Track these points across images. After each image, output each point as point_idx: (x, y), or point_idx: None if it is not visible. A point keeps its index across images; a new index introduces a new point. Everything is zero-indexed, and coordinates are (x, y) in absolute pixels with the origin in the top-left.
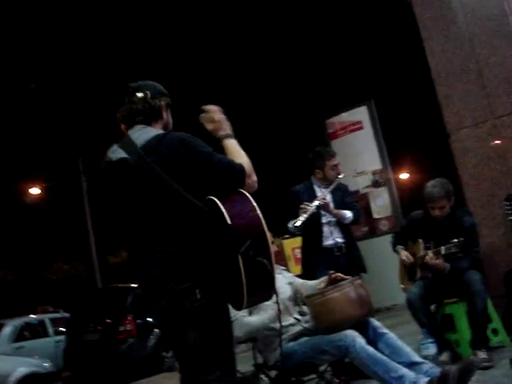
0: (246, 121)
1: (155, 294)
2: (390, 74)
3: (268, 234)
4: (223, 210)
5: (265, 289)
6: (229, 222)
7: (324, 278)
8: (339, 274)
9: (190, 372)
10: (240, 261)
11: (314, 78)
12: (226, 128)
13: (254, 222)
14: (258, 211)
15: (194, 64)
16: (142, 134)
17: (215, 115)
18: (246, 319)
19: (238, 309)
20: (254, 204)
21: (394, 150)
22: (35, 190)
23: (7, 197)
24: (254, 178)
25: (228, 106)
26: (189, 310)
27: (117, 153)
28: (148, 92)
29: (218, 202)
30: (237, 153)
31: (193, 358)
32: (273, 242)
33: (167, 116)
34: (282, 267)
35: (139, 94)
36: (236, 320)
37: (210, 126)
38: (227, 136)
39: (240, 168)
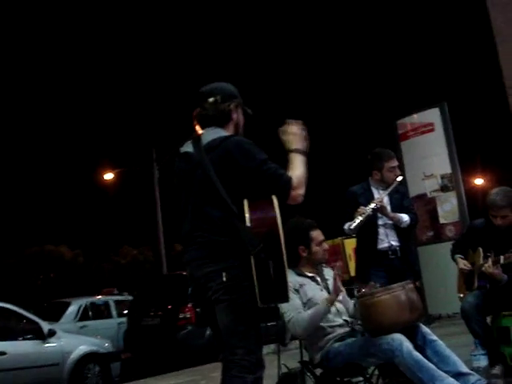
0: (319, 120)
1: (191, 276)
2: (467, 76)
3: (282, 244)
4: (247, 213)
5: (275, 290)
6: (248, 224)
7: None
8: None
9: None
10: (252, 261)
11: (388, 79)
12: (299, 144)
13: (273, 228)
14: (279, 221)
15: (264, 64)
16: (210, 135)
17: (294, 128)
18: (301, 315)
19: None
20: (278, 214)
21: (465, 155)
22: (109, 175)
23: (82, 181)
24: (301, 191)
25: (301, 105)
26: (215, 291)
27: (186, 147)
28: (219, 97)
29: (246, 205)
30: (296, 166)
31: (223, 338)
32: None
33: (237, 116)
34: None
35: (210, 100)
36: (293, 317)
37: (285, 137)
38: (297, 151)
39: (286, 179)
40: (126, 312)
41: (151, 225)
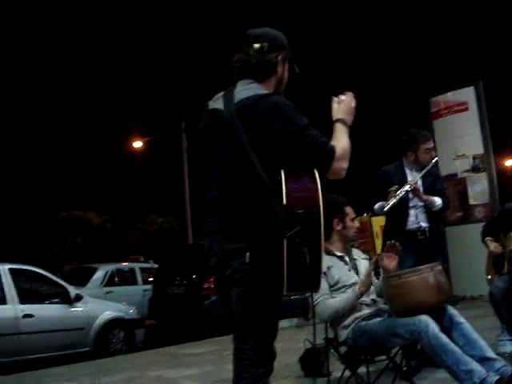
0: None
1: (210, 249)
2: (504, 54)
3: (322, 228)
4: (284, 188)
5: (306, 280)
6: (284, 201)
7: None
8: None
9: (235, 335)
10: (285, 244)
11: (423, 56)
12: (348, 115)
13: (313, 209)
14: (320, 201)
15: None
16: (244, 90)
17: (346, 99)
18: (328, 301)
19: (280, 292)
20: (319, 192)
21: (499, 136)
22: (138, 144)
23: (112, 149)
24: (344, 164)
25: (335, 81)
26: (235, 271)
27: (216, 103)
28: (266, 44)
29: (283, 178)
30: (341, 136)
31: (235, 321)
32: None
33: (283, 70)
34: (366, 254)
35: (256, 45)
36: (319, 302)
37: (335, 105)
38: (343, 121)
39: (329, 149)
40: (151, 279)
41: (178, 194)
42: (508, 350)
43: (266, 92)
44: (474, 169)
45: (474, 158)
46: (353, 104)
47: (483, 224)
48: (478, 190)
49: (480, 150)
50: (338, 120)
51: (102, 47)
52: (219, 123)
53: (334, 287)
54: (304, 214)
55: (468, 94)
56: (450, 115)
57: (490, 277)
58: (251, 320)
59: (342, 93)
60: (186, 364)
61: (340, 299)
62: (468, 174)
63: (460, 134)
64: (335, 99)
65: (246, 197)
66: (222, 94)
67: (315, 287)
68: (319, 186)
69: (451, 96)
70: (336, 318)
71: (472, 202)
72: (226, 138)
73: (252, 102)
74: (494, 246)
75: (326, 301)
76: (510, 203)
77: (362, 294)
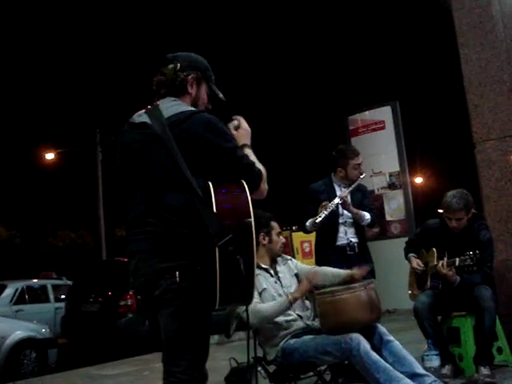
0: (268, 114)
1: (136, 269)
2: (420, 76)
3: (254, 236)
4: (213, 197)
5: (240, 290)
6: (214, 210)
7: (347, 272)
8: (357, 273)
9: (163, 357)
10: (217, 254)
11: (340, 75)
12: (248, 139)
13: (244, 218)
14: (251, 208)
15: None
16: (173, 106)
17: (243, 124)
18: (258, 306)
19: (212, 306)
20: (250, 200)
21: (412, 153)
22: (50, 155)
23: (22, 160)
24: (266, 186)
25: (250, 101)
26: (165, 291)
27: (142, 117)
28: (179, 64)
29: (211, 188)
30: (255, 160)
31: (163, 344)
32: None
33: (197, 92)
34: (288, 256)
35: (170, 66)
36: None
37: (234, 133)
38: (247, 145)
39: (259, 171)
40: (63, 297)
41: (92, 208)
42: (435, 365)
43: (190, 108)
44: (390, 186)
45: (391, 175)
46: (248, 128)
47: (406, 240)
48: (394, 206)
49: (396, 168)
50: (245, 145)
51: (17, 52)
52: (149, 136)
53: (262, 295)
54: (235, 223)
55: (385, 113)
56: (367, 133)
57: (412, 292)
58: (182, 340)
59: (233, 118)
60: None
61: (271, 304)
62: (384, 190)
63: (377, 152)
64: (230, 126)
65: (177, 213)
66: (143, 111)
67: (249, 298)
68: (249, 196)
69: (369, 115)
70: (267, 322)
71: (388, 218)
72: (156, 152)
73: (185, 117)
74: (416, 263)
75: (257, 306)
76: (431, 220)
77: (295, 300)
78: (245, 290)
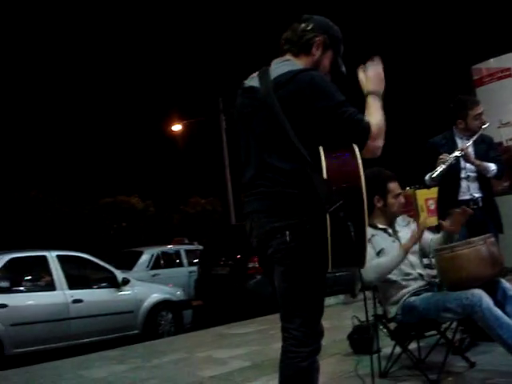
0: (394, 66)
1: (251, 229)
2: None
3: (365, 200)
4: (324, 163)
5: (352, 255)
6: (325, 176)
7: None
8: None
9: (280, 314)
10: (328, 220)
11: (463, 23)
12: (379, 86)
13: (355, 183)
14: (362, 173)
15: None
16: (280, 66)
17: (378, 68)
18: (375, 261)
19: (326, 268)
20: (360, 165)
21: None
22: (177, 127)
23: (152, 133)
24: (379, 143)
25: (374, 50)
26: (276, 251)
27: (252, 80)
28: (311, 24)
29: (322, 153)
30: (375, 112)
31: (279, 301)
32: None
33: (321, 56)
34: (409, 218)
35: (302, 24)
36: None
37: (363, 75)
38: (375, 93)
39: (365, 126)
40: (196, 261)
41: (219, 175)
42: None
43: (301, 67)
44: None
45: None
46: (380, 70)
47: None
48: None
49: None
50: (369, 93)
51: (139, 32)
52: (256, 100)
53: (380, 255)
54: (346, 188)
55: (511, 60)
56: (493, 82)
57: None
58: (295, 299)
59: (370, 59)
60: (234, 344)
61: (385, 258)
62: None
63: (505, 101)
64: (360, 70)
65: (285, 175)
66: (257, 72)
67: (361, 263)
68: (359, 160)
69: (494, 63)
70: (384, 277)
71: None
72: (263, 116)
73: (288, 78)
74: None
75: (373, 261)
76: None
77: (406, 251)
78: (356, 254)
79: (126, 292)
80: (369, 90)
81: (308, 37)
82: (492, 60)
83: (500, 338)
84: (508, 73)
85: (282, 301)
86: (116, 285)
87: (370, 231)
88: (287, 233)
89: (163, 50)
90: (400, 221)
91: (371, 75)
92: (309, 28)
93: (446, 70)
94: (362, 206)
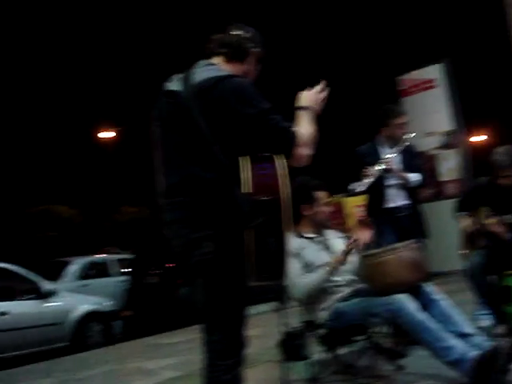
0: (316, 76)
1: (171, 239)
2: (468, 33)
3: (287, 213)
4: (245, 174)
5: (273, 270)
6: (245, 189)
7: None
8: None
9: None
10: (249, 235)
11: (388, 35)
12: (313, 104)
13: (276, 196)
14: (282, 186)
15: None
16: (205, 71)
17: (319, 89)
18: (300, 280)
19: (248, 281)
20: (281, 177)
21: (470, 112)
22: (108, 133)
23: (81, 139)
24: (307, 151)
25: (304, 63)
26: (197, 262)
27: (173, 84)
28: (249, 34)
29: (243, 164)
30: (304, 123)
31: (200, 313)
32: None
33: (252, 67)
34: (345, 233)
35: (241, 32)
36: (293, 283)
37: (305, 92)
38: (308, 108)
39: (292, 134)
40: (127, 270)
41: (148, 183)
42: (486, 325)
43: (227, 73)
44: (444, 146)
45: (444, 134)
46: (321, 94)
47: (456, 199)
48: (449, 166)
49: (449, 127)
50: (301, 107)
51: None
52: (177, 105)
53: (307, 268)
54: (268, 202)
55: (435, 72)
56: (418, 93)
57: (464, 252)
58: (215, 311)
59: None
60: (165, 354)
61: (312, 276)
62: (438, 150)
63: (429, 112)
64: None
65: (205, 184)
66: (179, 75)
67: (282, 277)
68: (281, 172)
69: (418, 74)
70: (310, 296)
71: (443, 178)
72: (183, 122)
73: (213, 84)
74: (466, 224)
75: (301, 280)
76: (480, 178)
77: (333, 269)
78: (277, 269)
79: (53, 303)
80: (302, 104)
81: (247, 46)
82: (416, 71)
83: (425, 341)
84: (432, 84)
85: (204, 312)
86: (42, 296)
87: (298, 243)
88: (207, 244)
89: (104, 53)
90: (335, 232)
91: (311, 93)
92: (248, 37)
93: (373, 80)
94: (283, 219)
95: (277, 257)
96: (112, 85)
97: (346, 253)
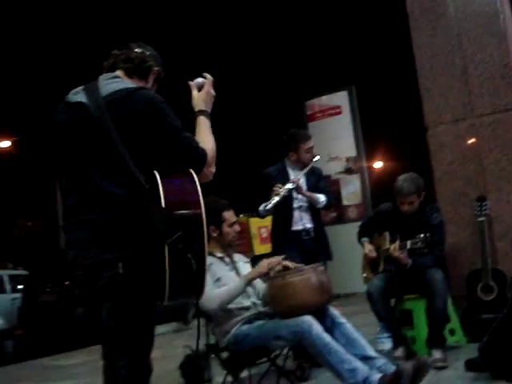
0: (223, 99)
1: (75, 260)
2: (375, 61)
3: (205, 229)
4: (161, 189)
5: (190, 287)
6: (163, 205)
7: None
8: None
9: (104, 351)
10: (166, 252)
11: (297, 60)
12: (208, 104)
13: (194, 211)
14: (202, 201)
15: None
16: (111, 83)
17: (208, 86)
18: (214, 292)
19: (160, 301)
20: (199, 190)
21: (370, 138)
22: (4, 143)
23: None
24: (213, 168)
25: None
26: (107, 284)
27: (78, 96)
28: (149, 52)
29: (158, 180)
30: (206, 136)
31: (105, 338)
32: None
33: (152, 85)
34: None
35: (142, 49)
36: (205, 294)
37: (195, 92)
38: (206, 113)
39: (202, 154)
40: (20, 287)
41: (48, 196)
42: (387, 347)
43: (136, 86)
44: (347, 170)
45: (347, 160)
46: (212, 91)
47: (359, 224)
48: (351, 191)
49: (353, 153)
50: (201, 112)
51: None
52: (86, 118)
53: (216, 284)
54: (186, 216)
55: (342, 98)
56: (324, 118)
57: (365, 275)
58: (125, 335)
59: (202, 74)
60: (60, 377)
61: (227, 287)
62: (341, 175)
63: (334, 137)
64: (192, 84)
65: (118, 201)
66: (81, 88)
67: (200, 293)
68: (199, 186)
69: (325, 100)
70: (223, 307)
71: (345, 202)
72: (94, 135)
73: (124, 96)
74: (368, 248)
75: (212, 291)
76: (384, 204)
77: (249, 282)
78: (195, 285)
79: None
80: (201, 108)
81: (149, 64)
82: (324, 97)
83: (328, 363)
84: (338, 110)
85: (110, 338)
86: None
87: (208, 259)
88: (120, 265)
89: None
90: (241, 257)
91: (203, 93)
92: (148, 54)
93: (281, 104)
94: (201, 235)
95: (197, 272)
96: (7, 94)
97: (269, 268)
